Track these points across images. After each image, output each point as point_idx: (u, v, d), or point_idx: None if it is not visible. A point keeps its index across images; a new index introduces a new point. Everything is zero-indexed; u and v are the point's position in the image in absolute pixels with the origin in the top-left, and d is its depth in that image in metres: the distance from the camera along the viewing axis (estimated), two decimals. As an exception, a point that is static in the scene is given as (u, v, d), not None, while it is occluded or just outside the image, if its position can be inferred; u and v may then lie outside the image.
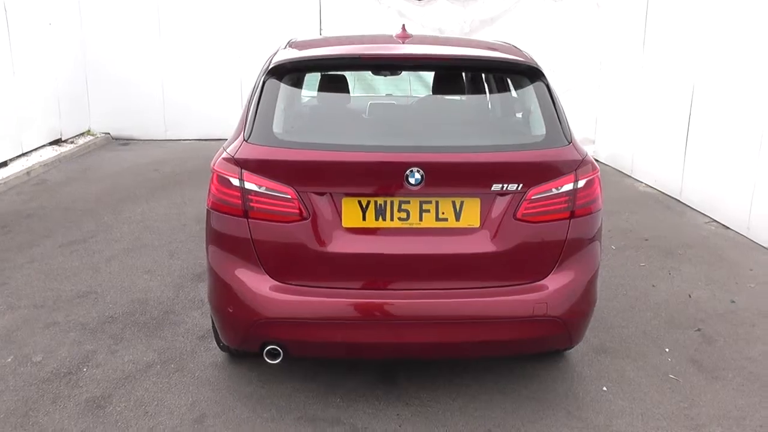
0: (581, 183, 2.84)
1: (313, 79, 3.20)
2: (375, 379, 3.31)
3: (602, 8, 8.43)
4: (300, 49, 3.22)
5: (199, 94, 9.29)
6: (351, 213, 2.75)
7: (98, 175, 7.54)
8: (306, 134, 2.94)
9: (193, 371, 3.39)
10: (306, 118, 3.18)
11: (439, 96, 3.15)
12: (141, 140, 9.33)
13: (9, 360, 3.50)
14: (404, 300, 2.77)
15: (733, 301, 4.41)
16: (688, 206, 6.47)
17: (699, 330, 4.00)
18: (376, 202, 2.74)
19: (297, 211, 2.72)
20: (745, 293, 4.56)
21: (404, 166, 2.67)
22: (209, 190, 2.92)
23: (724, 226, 5.96)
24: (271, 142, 2.78)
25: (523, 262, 2.85)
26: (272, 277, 2.78)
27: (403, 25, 3.34)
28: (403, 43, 3.23)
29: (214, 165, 2.88)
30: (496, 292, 2.82)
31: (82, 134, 9.11)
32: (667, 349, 3.74)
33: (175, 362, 3.47)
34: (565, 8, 8.64)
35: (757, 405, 3.23)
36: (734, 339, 3.90)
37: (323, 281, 2.78)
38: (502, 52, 3.15)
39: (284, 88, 2.95)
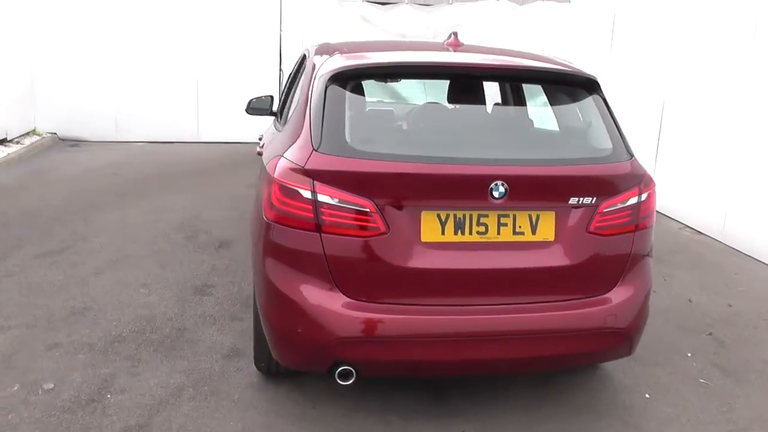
0: (644, 197, 2.86)
1: (374, 86, 3.06)
2: (427, 396, 3.21)
3: (565, 17, 8.64)
4: (354, 56, 3.07)
5: (152, 96, 8.87)
6: (430, 227, 2.63)
7: (55, 178, 7.05)
8: (382, 145, 2.79)
9: (231, 394, 3.17)
10: (377, 127, 3.03)
11: (503, 107, 3.08)
12: (91, 141, 8.81)
13: (15, 388, 3.16)
14: (483, 315, 2.68)
15: (731, 305, 4.58)
16: (661, 213, 6.70)
17: (710, 334, 4.11)
18: (455, 216, 2.64)
19: (376, 225, 2.58)
20: (738, 297, 4.74)
21: (489, 179, 2.58)
22: (267, 201, 2.73)
23: (698, 231, 6.21)
24: (346, 153, 2.63)
25: (593, 275, 2.82)
26: (345, 294, 2.62)
27: (455, 33, 3.25)
28: (455, 51, 3.15)
29: (276, 175, 2.70)
30: (569, 305, 2.78)
31: (27, 134, 8.49)
32: (689, 354, 3.82)
33: (208, 384, 3.24)
34: (530, 15, 8.81)
35: (791, 407, 3.35)
36: (743, 342, 4.04)
37: (401, 298, 2.65)
38: (555, 63, 3.12)
39: (349, 96, 2.79)
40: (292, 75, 4.07)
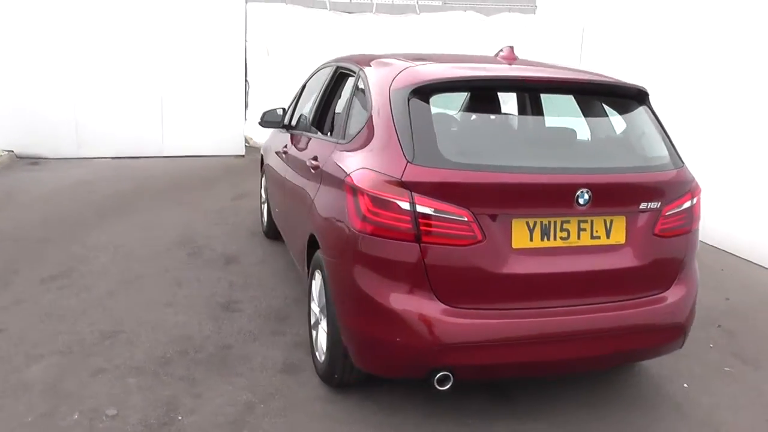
0: (694, 200, 3.08)
1: (452, 99, 3.13)
2: (492, 397, 3.30)
3: (530, 28, 8.99)
4: (429, 70, 3.13)
5: (114, 110, 8.59)
6: (520, 234, 2.74)
7: (26, 199, 6.72)
8: (475, 156, 2.87)
9: (305, 407, 3.16)
10: (465, 138, 3.10)
11: (573, 118, 3.22)
12: (51, 159, 8.42)
13: (76, 417, 3.04)
14: (569, 316, 2.81)
15: (728, 299, 4.90)
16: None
17: (720, 326, 4.40)
18: (542, 223, 2.76)
19: (473, 233, 2.66)
20: (732, 291, 5.09)
21: (576, 187, 2.72)
22: (356, 213, 2.76)
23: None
24: (442, 164, 2.69)
25: (656, 275, 3.00)
26: (442, 302, 2.69)
27: (512, 47, 3.38)
28: (511, 64, 3.28)
29: (365, 187, 2.73)
30: (638, 303, 2.95)
31: (-19, 153, 8.04)
32: (711, 345, 4.08)
33: (276, 400, 3.22)
34: (496, 26, 9.09)
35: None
36: (750, 331, 4.35)
37: (496, 303, 2.75)
38: (606, 77, 3.28)
39: (432, 109, 2.87)
40: (326, 88, 4.07)
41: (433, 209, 2.64)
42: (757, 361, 3.93)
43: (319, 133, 3.97)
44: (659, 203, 2.93)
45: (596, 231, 2.84)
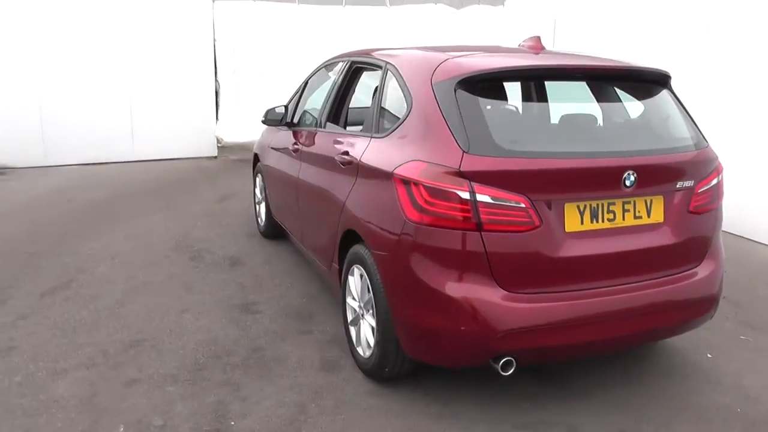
0: (720, 178, 3.19)
1: (496, 89, 3.12)
2: (540, 381, 3.33)
3: (500, 20, 9.13)
4: (468, 60, 3.12)
5: (82, 115, 8.32)
6: (572, 217, 2.78)
7: (4, 210, 6.41)
8: (527, 143, 2.89)
9: (357, 402, 3.13)
10: (515, 126, 3.10)
11: (609, 103, 3.27)
12: (18, 168, 8.08)
13: (121, 430, 2.94)
14: (620, 295, 2.86)
15: (726, 271, 5.06)
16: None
17: (725, 297, 4.54)
18: (590, 206, 2.81)
19: (530, 219, 2.69)
20: (727, 264, 5.26)
21: (623, 170, 2.79)
22: (411, 204, 2.75)
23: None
24: (497, 153, 2.71)
25: (691, 250, 3.10)
26: (503, 288, 2.71)
27: (539, 38, 3.41)
28: (539, 53, 3.31)
29: (420, 178, 2.72)
30: (678, 278, 3.03)
31: (-57, 164, 7.65)
32: (728, 317, 4.23)
33: (326, 398, 3.17)
34: (466, 18, 9.18)
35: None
36: (753, 301, 4.53)
37: (552, 286, 2.78)
38: (631, 63, 3.34)
39: (479, 99, 2.88)
40: (341, 84, 4.01)
41: (491, 197, 2.65)
42: (765, 327, 4.09)
43: (341, 127, 3.92)
44: (693, 182, 3.02)
45: (638, 211, 2.91)
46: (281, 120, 4.94)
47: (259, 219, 5.90)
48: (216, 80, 9.12)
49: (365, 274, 3.21)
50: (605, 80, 3.24)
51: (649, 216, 2.94)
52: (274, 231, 5.59)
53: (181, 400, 3.15)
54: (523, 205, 2.68)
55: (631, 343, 3.19)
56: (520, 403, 3.14)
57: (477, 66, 2.96)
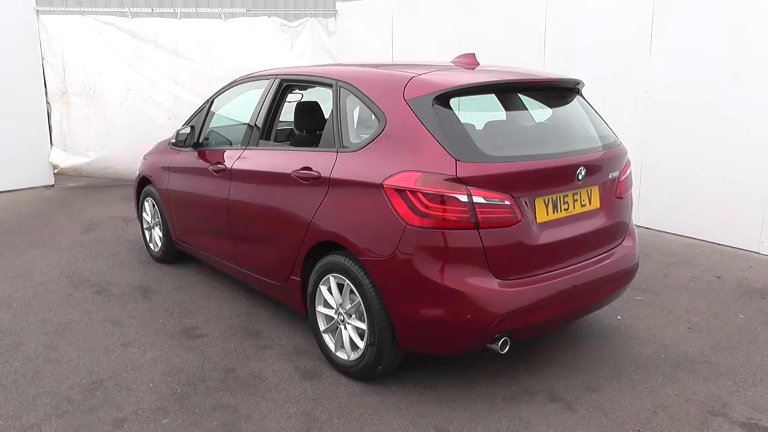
0: (630, 168, 3.89)
1: (467, 102, 3.46)
2: (500, 358, 3.76)
3: (331, 32, 9.62)
4: (434, 77, 3.40)
5: None
6: (541, 210, 3.24)
7: None
8: (505, 149, 3.27)
9: (359, 403, 3.30)
10: (489, 135, 3.43)
11: (548, 110, 3.77)
12: None
13: (135, 470, 2.85)
14: (582, 270, 3.38)
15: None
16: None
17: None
18: (552, 199, 3.30)
19: (515, 215, 3.10)
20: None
21: (576, 167, 3.32)
22: (410, 210, 3.02)
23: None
24: (484, 159, 3.07)
25: (618, 229, 3.73)
26: (497, 277, 3.09)
27: (473, 54, 3.84)
28: (474, 68, 3.76)
29: (419, 186, 3.01)
30: (613, 253, 3.65)
31: None
32: None
33: (326, 403, 3.31)
34: (300, 27, 9.50)
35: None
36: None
37: (533, 270, 3.21)
38: (557, 75, 3.91)
39: (453, 112, 3.21)
40: (271, 102, 4.13)
41: (485, 198, 3.02)
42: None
43: (286, 144, 4.03)
44: (617, 172, 3.67)
45: (583, 200, 3.47)
46: (186, 141, 4.87)
47: (150, 245, 5.68)
48: (47, 101, 8.39)
49: (348, 282, 3.40)
50: (552, 90, 3.78)
51: (590, 203, 3.51)
52: (172, 255, 5.45)
53: (184, 429, 3.10)
54: (509, 203, 3.09)
55: (588, 311, 3.73)
56: (497, 379, 3.54)
57: (449, 83, 3.31)
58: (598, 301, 3.63)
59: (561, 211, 3.34)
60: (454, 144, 3.07)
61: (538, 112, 3.72)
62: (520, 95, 3.69)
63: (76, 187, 8.77)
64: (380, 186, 3.15)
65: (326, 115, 4.00)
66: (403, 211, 3.06)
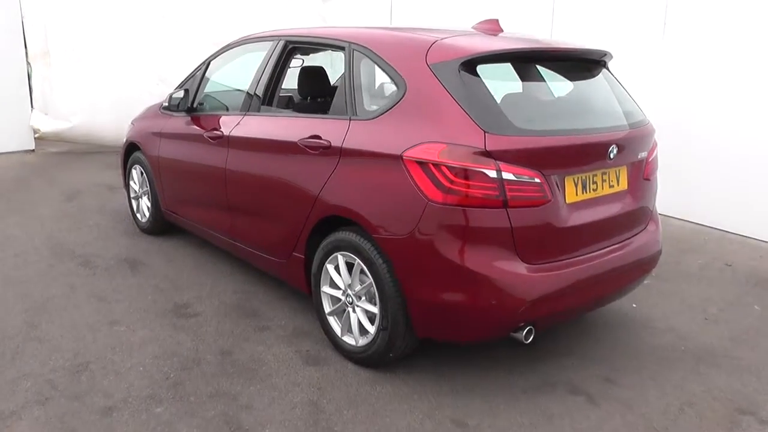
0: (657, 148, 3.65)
1: (495, 70, 3.16)
2: (514, 346, 3.53)
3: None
4: (460, 42, 3.13)
5: None
6: (571, 189, 2.99)
7: None
8: (537, 122, 2.99)
9: (369, 392, 3.07)
10: (519, 106, 3.15)
11: (581, 82, 3.49)
12: None
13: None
14: (609, 256, 3.16)
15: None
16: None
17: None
18: (581, 178, 3.05)
19: (544, 194, 2.84)
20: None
21: (609, 145, 3.07)
22: (434, 186, 2.76)
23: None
24: (515, 132, 2.81)
25: (644, 212, 3.51)
26: (524, 261, 2.85)
27: (497, 20, 3.54)
28: (497, 35, 3.47)
29: (444, 159, 2.74)
30: (639, 238, 3.42)
31: None
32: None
33: (333, 392, 3.07)
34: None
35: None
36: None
37: (561, 254, 2.98)
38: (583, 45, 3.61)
39: (482, 80, 2.93)
40: (275, 66, 3.82)
41: (514, 175, 2.76)
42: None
43: (291, 111, 3.74)
44: (645, 152, 3.42)
45: (612, 181, 3.23)
46: (179, 105, 4.54)
47: (138, 215, 5.37)
48: (27, 62, 7.96)
49: (359, 262, 3.14)
50: (580, 62, 3.50)
51: (618, 184, 3.27)
52: (160, 227, 5.16)
53: (179, 420, 2.85)
54: (539, 181, 2.83)
55: (612, 299, 3.51)
56: (513, 369, 3.32)
57: (477, 48, 3.03)
58: (623, 288, 3.42)
59: (590, 191, 3.10)
60: (483, 114, 2.81)
61: (563, 84, 3.46)
62: (546, 66, 3.41)
63: (58, 152, 8.39)
64: (399, 158, 2.88)
65: (332, 81, 3.71)
66: (424, 186, 2.80)
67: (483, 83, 2.93)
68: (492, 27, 3.56)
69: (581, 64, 3.48)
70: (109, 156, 7.96)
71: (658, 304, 4.22)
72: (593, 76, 3.45)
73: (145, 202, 5.23)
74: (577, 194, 3.04)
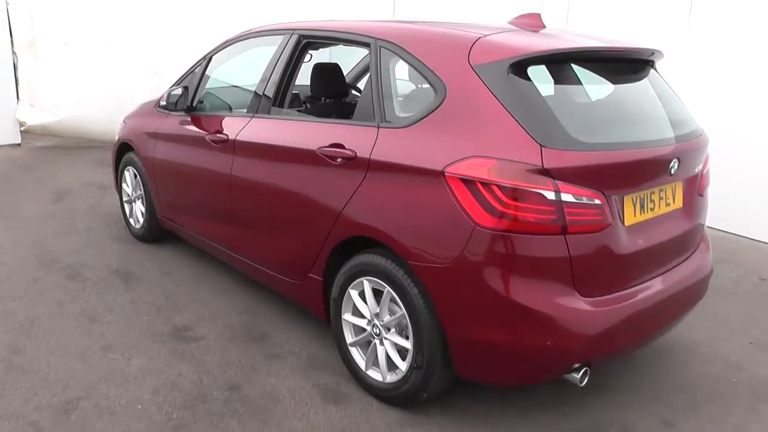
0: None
1: (548, 73, 2.75)
2: (565, 387, 3.20)
3: None
4: (507, 40, 2.75)
5: None
6: (629, 210, 2.63)
7: None
8: (597, 134, 2.60)
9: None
10: (577, 116, 2.74)
11: (631, 86, 3.07)
12: None
13: None
14: (668, 283, 2.81)
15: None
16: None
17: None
18: (639, 197, 2.69)
19: (605, 217, 2.48)
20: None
21: (671, 158, 2.72)
22: (482, 208, 2.39)
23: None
24: (575, 146, 2.43)
25: (698, 231, 3.14)
26: (582, 295, 2.49)
27: (539, 15, 3.14)
28: (540, 31, 3.07)
29: (491, 177, 2.37)
30: (694, 260, 3.06)
31: None
32: None
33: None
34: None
35: None
36: None
37: (621, 284, 2.62)
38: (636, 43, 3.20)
39: (534, 85, 2.55)
40: (287, 63, 3.42)
41: (574, 196, 2.40)
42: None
43: (306, 114, 3.35)
44: (700, 166, 3.06)
45: (668, 198, 2.87)
46: (177, 104, 4.13)
47: (131, 221, 4.96)
48: (13, 52, 7.50)
49: (389, 290, 2.77)
50: (632, 63, 3.09)
51: (674, 202, 2.91)
52: (155, 234, 4.76)
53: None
54: (599, 202, 2.47)
55: (668, 329, 3.15)
56: (559, 408, 2.97)
57: (529, 47, 2.64)
58: (679, 317, 3.06)
59: (647, 211, 2.74)
60: (538, 125, 2.43)
61: (614, 88, 3.05)
62: (599, 68, 3.01)
63: (45, 147, 7.94)
64: (441, 174, 2.51)
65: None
66: (471, 208, 2.42)
67: (536, 88, 2.55)
68: (533, 22, 3.16)
69: (631, 65, 3.09)
70: (99, 151, 7.55)
71: (699, 326, 3.88)
72: (645, 78, 3.06)
73: (138, 207, 4.83)
74: (635, 215, 2.67)
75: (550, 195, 2.35)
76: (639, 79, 3.04)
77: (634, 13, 5.99)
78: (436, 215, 2.54)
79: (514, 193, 2.36)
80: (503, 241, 2.39)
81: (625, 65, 3.07)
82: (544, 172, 2.36)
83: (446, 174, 2.49)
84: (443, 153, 2.54)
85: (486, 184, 2.40)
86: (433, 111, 2.66)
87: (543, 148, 2.38)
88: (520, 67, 2.56)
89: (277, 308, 3.84)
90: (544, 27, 3.15)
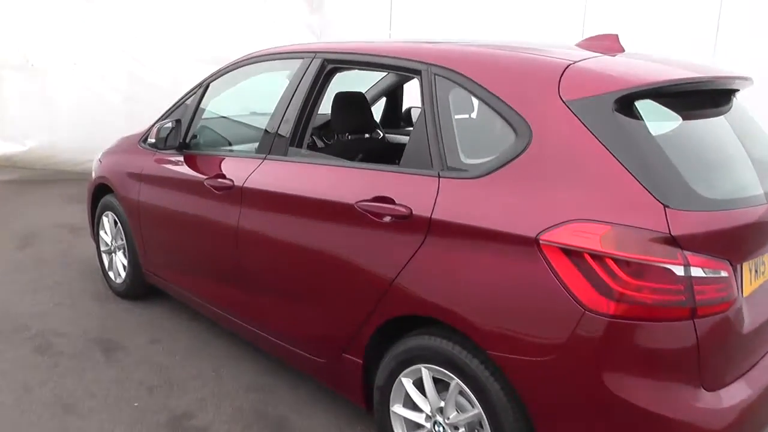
0: None
1: (660, 110, 2.15)
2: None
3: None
4: (607, 68, 2.18)
5: None
6: (747, 278, 2.07)
7: None
8: (717, 187, 2.03)
9: None
10: (700, 165, 2.16)
11: (725, 123, 2.47)
12: None
13: None
14: None
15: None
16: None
17: None
18: (755, 262, 2.13)
19: (731, 291, 1.92)
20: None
21: None
22: (592, 287, 1.82)
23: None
24: (703, 205, 1.89)
25: None
26: (707, 389, 1.93)
27: (616, 36, 2.57)
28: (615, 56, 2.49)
29: (605, 249, 1.80)
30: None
31: None
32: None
33: None
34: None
35: None
36: None
37: (742, 369, 2.07)
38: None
39: (642, 124, 2.00)
40: (308, 91, 2.82)
41: (703, 269, 1.85)
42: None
43: (341, 159, 2.75)
44: None
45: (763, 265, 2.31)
46: (167, 140, 3.50)
47: (110, 274, 4.29)
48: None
49: (459, 382, 2.17)
50: (721, 93, 2.51)
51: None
52: (140, 290, 4.10)
53: None
54: (726, 275, 1.91)
55: None
56: None
57: (637, 78, 2.07)
58: None
59: (760, 276, 2.20)
60: (658, 178, 1.87)
61: (709, 126, 2.43)
62: (706, 103, 2.40)
63: (10, 181, 7.23)
64: (534, 242, 1.92)
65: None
66: (577, 287, 1.85)
67: (648, 130, 1.99)
68: (610, 45, 2.57)
69: (722, 97, 2.50)
70: (70, 185, 6.86)
71: None
72: (735, 112, 2.48)
73: (119, 258, 4.16)
74: (751, 282, 2.12)
75: (679, 270, 1.80)
76: (732, 113, 2.46)
77: (656, 25, 5.55)
78: (528, 295, 1.95)
79: (636, 269, 1.79)
80: (621, 329, 1.82)
81: (722, 97, 2.47)
82: (672, 240, 1.79)
83: (541, 242, 1.91)
84: (534, 214, 1.96)
85: (598, 257, 1.82)
86: (515, 158, 2.08)
87: (667, 209, 1.81)
88: (626, 103, 1.99)
89: (293, 382, 3.21)
90: (623, 51, 2.58)
